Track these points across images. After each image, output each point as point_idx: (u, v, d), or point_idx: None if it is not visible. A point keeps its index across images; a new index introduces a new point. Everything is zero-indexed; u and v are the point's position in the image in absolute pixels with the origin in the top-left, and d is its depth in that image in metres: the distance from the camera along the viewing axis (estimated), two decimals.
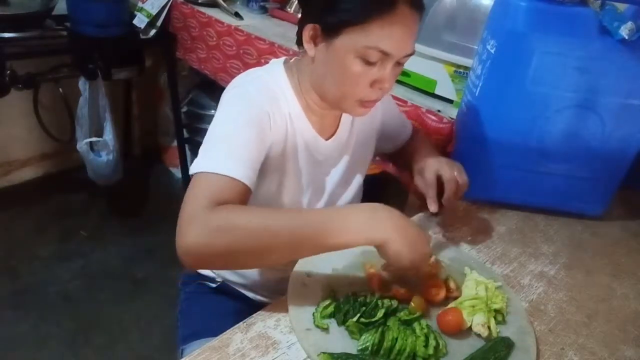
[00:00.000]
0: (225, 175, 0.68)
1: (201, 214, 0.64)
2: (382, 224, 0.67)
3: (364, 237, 0.67)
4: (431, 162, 0.90)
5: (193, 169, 0.70)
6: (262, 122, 0.77)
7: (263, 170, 0.80)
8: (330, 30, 0.73)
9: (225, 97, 0.80)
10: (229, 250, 0.64)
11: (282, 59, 0.88)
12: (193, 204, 0.65)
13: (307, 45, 0.77)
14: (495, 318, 0.73)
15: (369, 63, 0.73)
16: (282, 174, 0.84)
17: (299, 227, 0.66)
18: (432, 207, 0.86)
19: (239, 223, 0.64)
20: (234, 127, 0.74)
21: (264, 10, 1.88)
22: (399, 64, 0.76)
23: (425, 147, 1.00)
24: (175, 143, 2.35)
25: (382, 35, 0.71)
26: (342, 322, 0.68)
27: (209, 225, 0.63)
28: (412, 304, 0.71)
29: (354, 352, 0.64)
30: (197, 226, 0.63)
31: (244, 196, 0.70)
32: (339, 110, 0.87)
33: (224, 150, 0.71)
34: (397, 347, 0.64)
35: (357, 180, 0.99)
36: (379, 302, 0.70)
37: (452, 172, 0.88)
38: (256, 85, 0.80)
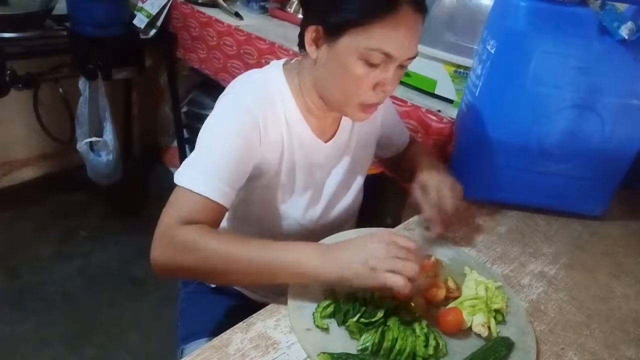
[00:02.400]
0: (201, 194, 0.70)
1: (171, 231, 0.69)
2: (318, 259, 0.67)
3: (306, 274, 0.67)
4: (436, 181, 0.87)
5: (177, 178, 0.72)
6: (251, 134, 0.77)
7: (258, 176, 0.81)
8: (332, 31, 0.73)
9: (220, 101, 0.81)
10: (191, 269, 0.70)
11: (283, 60, 0.88)
12: (167, 218, 0.70)
13: (309, 47, 0.77)
14: (495, 318, 0.73)
15: (371, 65, 0.73)
16: (278, 178, 0.85)
17: (254, 258, 0.68)
18: (437, 229, 0.85)
19: (201, 245, 0.68)
20: (218, 141, 0.75)
21: (264, 10, 1.88)
22: (401, 66, 0.76)
23: (429, 159, 0.97)
24: (175, 143, 2.35)
25: (384, 37, 0.70)
26: (342, 322, 0.68)
27: (174, 243, 0.68)
28: (412, 304, 0.71)
29: (354, 352, 0.64)
30: (164, 242, 0.69)
31: (217, 214, 0.73)
32: (340, 113, 0.87)
33: (205, 166, 0.73)
34: (397, 347, 0.64)
35: (358, 183, 0.99)
36: (379, 302, 0.70)
37: (452, 200, 0.85)
38: (250, 91, 0.80)
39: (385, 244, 0.65)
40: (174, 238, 0.68)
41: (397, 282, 0.63)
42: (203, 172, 0.72)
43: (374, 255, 0.64)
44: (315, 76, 0.80)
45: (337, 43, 0.73)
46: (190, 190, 0.71)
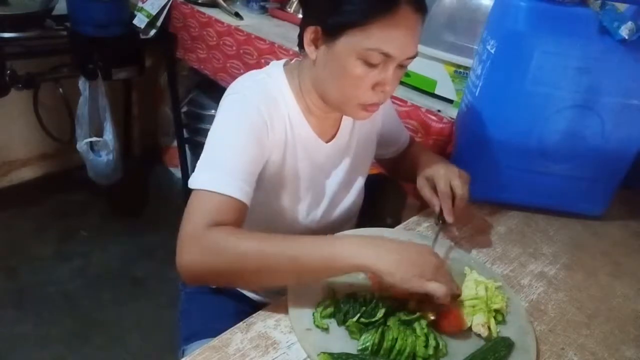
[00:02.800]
0: (223, 194, 0.69)
1: (198, 234, 0.66)
2: (372, 249, 0.66)
3: (351, 264, 0.66)
4: (442, 171, 0.88)
5: (192, 183, 0.71)
6: (260, 132, 0.77)
7: (261, 175, 0.81)
8: (331, 32, 0.73)
9: (223, 103, 0.80)
10: (222, 271, 0.68)
11: (283, 60, 0.88)
12: (192, 222, 0.68)
13: (308, 48, 0.76)
14: (495, 318, 0.73)
15: (370, 65, 0.73)
16: (280, 178, 0.84)
17: (289, 255, 0.66)
18: (450, 218, 0.85)
19: (232, 246, 0.66)
20: (231, 140, 0.75)
21: (264, 10, 1.88)
22: (401, 66, 0.75)
23: (430, 154, 0.99)
24: (175, 143, 2.35)
25: (383, 37, 0.70)
26: (342, 322, 0.68)
27: (205, 246, 0.66)
28: (410, 306, 0.71)
29: (354, 352, 0.64)
30: (194, 246, 0.67)
31: (241, 213, 0.72)
32: (340, 113, 0.87)
33: (222, 166, 0.72)
34: (397, 347, 0.64)
35: (359, 183, 0.98)
36: (379, 302, 0.70)
37: (463, 188, 0.86)
38: (254, 91, 0.80)
39: (434, 257, 0.68)
40: (203, 242, 0.66)
41: (439, 289, 0.65)
42: (222, 172, 0.71)
43: (424, 264, 0.66)
44: (314, 77, 0.80)
45: (336, 43, 0.73)
46: (212, 192, 0.69)
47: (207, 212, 0.68)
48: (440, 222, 0.87)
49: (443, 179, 0.87)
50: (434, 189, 0.89)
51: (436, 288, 0.64)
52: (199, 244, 0.66)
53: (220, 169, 0.72)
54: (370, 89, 0.75)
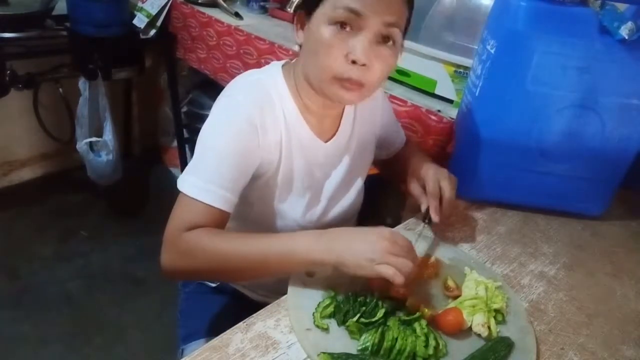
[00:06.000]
0: (204, 202, 0.72)
1: (176, 238, 0.72)
2: (324, 244, 0.69)
3: (307, 259, 0.70)
4: (432, 172, 0.90)
5: (179, 184, 0.75)
6: (249, 139, 0.77)
7: (257, 177, 0.82)
8: (310, 8, 0.74)
9: (216, 105, 0.80)
10: (197, 271, 0.75)
11: (282, 61, 0.88)
12: (172, 225, 0.73)
13: (296, 35, 0.79)
14: (495, 318, 0.73)
15: (341, 26, 0.71)
16: (277, 178, 0.84)
17: (255, 253, 0.71)
18: (436, 217, 0.86)
19: (204, 249, 0.71)
20: (217, 148, 0.76)
21: (264, 10, 1.88)
22: (381, 42, 0.72)
23: (421, 156, 1.01)
24: (175, 143, 2.35)
25: None
26: (342, 322, 0.68)
27: (180, 249, 0.72)
28: (408, 304, 0.71)
29: (354, 352, 0.64)
30: (170, 248, 0.72)
31: (220, 220, 0.75)
32: (323, 97, 0.81)
33: (206, 173, 0.74)
34: (397, 347, 0.64)
35: (358, 184, 0.98)
36: (379, 302, 0.70)
37: (451, 190, 0.88)
38: (247, 94, 0.80)
39: (386, 241, 0.68)
40: (178, 244, 0.71)
41: (388, 272, 0.66)
42: (203, 179, 0.73)
43: (374, 249, 0.67)
44: (302, 62, 0.80)
45: (312, 19, 0.74)
46: (192, 198, 0.72)
47: (186, 216, 0.72)
48: (427, 220, 0.89)
49: (432, 179, 0.89)
50: (424, 188, 0.90)
51: (384, 270, 0.66)
52: (176, 247, 0.72)
53: (204, 176, 0.74)
54: (342, 57, 0.72)
